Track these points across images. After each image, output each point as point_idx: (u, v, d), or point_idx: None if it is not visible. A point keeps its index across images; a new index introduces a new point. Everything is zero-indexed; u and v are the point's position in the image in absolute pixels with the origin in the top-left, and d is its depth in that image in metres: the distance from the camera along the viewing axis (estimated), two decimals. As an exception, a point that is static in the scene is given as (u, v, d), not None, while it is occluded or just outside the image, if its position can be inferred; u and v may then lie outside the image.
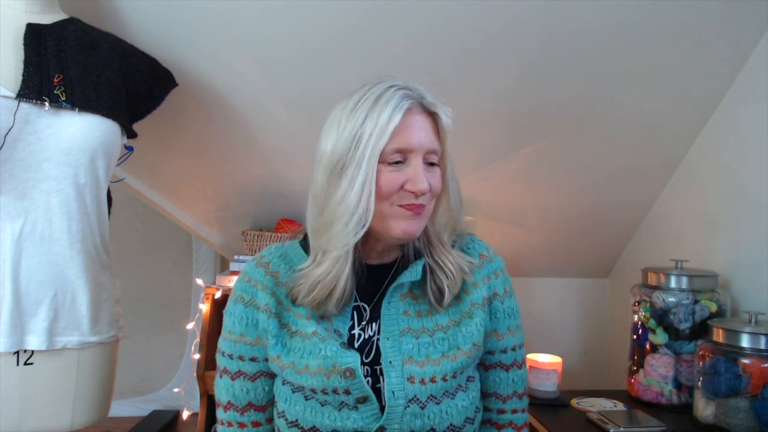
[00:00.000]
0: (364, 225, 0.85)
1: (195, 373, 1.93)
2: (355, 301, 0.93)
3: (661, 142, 1.83)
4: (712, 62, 1.60)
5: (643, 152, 1.86)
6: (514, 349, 0.98)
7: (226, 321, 0.95)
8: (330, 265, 0.87)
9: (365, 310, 0.93)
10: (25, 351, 1.18)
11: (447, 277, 0.92)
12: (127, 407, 2.44)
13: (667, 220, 1.97)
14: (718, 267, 1.65)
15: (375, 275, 0.94)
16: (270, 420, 0.95)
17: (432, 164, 0.89)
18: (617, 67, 1.60)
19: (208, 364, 1.93)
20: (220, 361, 0.95)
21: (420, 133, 0.87)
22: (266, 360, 0.92)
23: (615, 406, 1.58)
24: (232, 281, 1.98)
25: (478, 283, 0.94)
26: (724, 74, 1.63)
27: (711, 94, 1.68)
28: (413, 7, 1.43)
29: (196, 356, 1.92)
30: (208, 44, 1.51)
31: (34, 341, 1.18)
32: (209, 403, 1.97)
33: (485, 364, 0.98)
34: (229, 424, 0.95)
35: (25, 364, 1.18)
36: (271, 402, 0.95)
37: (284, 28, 1.48)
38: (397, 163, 0.86)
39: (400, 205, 0.86)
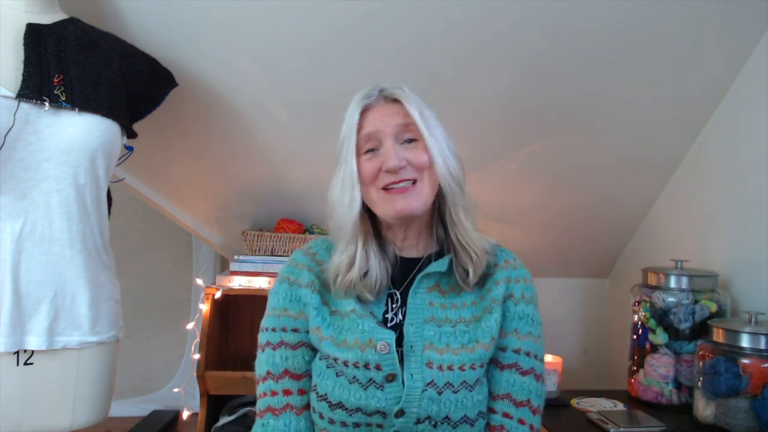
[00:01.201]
0: (353, 216, 0.94)
1: (195, 373, 1.92)
2: (390, 288, 0.99)
3: (661, 142, 1.83)
4: (712, 62, 1.60)
5: (643, 152, 1.86)
6: (517, 352, 0.96)
7: (271, 300, 1.01)
8: (341, 252, 0.97)
9: (396, 295, 0.99)
10: (25, 351, 1.18)
11: (471, 259, 0.97)
12: (127, 407, 2.43)
13: (667, 220, 1.97)
14: (718, 267, 1.65)
15: (409, 266, 1.01)
16: (302, 392, 0.96)
17: (412, 141, 0.95)
18: (617, 67, 1.60)
19: (208, 364, 1.93)
20: (262, 338, 0.99)
21: (384, 118, 0.95)
22: (308, 332, 0.97)
23: (615, 406, 1.58)
24: (232, 281, 1.98)
25: (499, 281, 0.99)
26: (724, 74, 1.63)
27: (711, 94, 1.68)
28: (413, 7, 1.43)
29: (196, 356, 1.92)
30: (208, 44, 1.51)
31: (34, 341, 1.18)
32: (209, 403, 1.97)
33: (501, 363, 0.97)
34: (263, 395, 0.97)
35: (25, 364, 1.18)
36: (307, 374, 0.97)
37: (284, 28, 1.48)
38: (371, 151, 0.95)
39: (384, 188, 0.94)
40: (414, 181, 0.94)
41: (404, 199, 0.93)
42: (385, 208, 0.94)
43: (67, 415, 1.23)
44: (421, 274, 0.98)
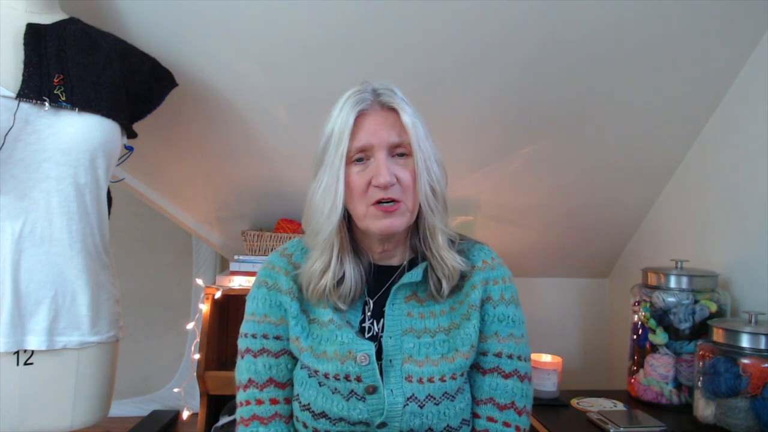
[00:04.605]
0: (331, 224, 0.91)
1: (195, 373, 1.93)
2: (364, 296, 0.98)
3: (661, 142, 1.83)
4: (712, 62, 1.60)
5: (643, 152, 1.86)
6: (498, 356, 0.96)
7: (249, 305, 0.99)
8: (315, 259, 0.95)
9: (370, 303, 0.98)
10: (25, 351, 1.18)
11: (444, 273, 0.95)
12: (127, 407, 2.44)
13: (667, 220, 1.97)
14: (718, 267, 1.65)
15: (384, 274, 0.99)
16: (288, 401, 0.97)
17: (403, 156, 0.93)
18: (617, 67, 1.60)
19: (208, 364, 1.93)
20: (242, 343, 0.98)
21: (378, 129, 0.91)
22: (289, 340, 0.96)
23: (615, 406, 1.58)
24: (232, 281, 1.98)
25: (477, 284, 0.97)
26: (724, 74, 1.63)
27: (711, 94, 1.68)
28: (414, 7, 1.43)
29: (196, 356, 1.92)
30: (208, 44, 1.51)
31: (34, 341, 1.18)
32: (209, 403, 1.97)
33: (483, 368, 0.97)
34: (247, 403, 0.96)
35: (25, 364, 1.18)
36: (290, 383, 0.97)
37: (284, 28, 1.48)
38: (360, 161, 0.92)
39: (374, 204, 0.91)
40: (399, 201, 0.92)
41: (389, 218, 0.91)
42: (370, 224, 0.92)
43: (67, 415, 1.23)
44: (396, 286, 0.96)
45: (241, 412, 0.96)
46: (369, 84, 0.96)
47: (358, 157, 0.92)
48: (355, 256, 0.98)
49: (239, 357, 0.99)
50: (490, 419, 0.95)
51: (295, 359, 0.98)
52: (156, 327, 2.54)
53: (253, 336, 0.97)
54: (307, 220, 0.96)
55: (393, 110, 0.93)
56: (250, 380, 0.96)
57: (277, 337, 0.97)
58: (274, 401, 0.95)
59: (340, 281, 0.95)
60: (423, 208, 0.94)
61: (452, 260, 0.95)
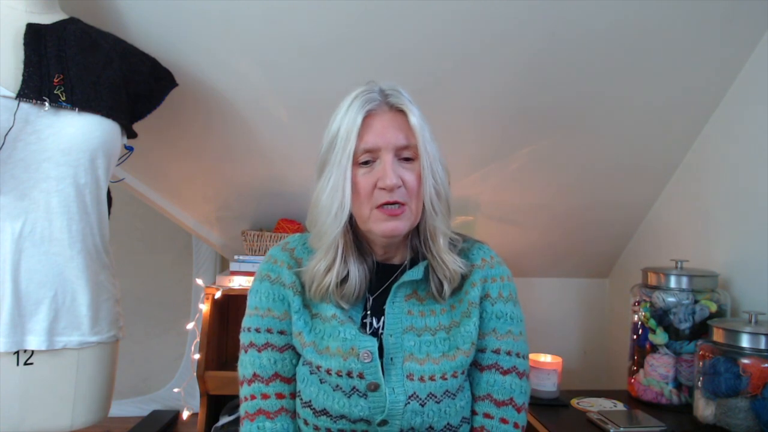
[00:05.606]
0: (339, 224, 0.90)
1: (195, 373, 1.93)
2: (367, 293, 0.98)
3: (661, 142, 1.83)
4: (712, 62, 1.60)
5: (643, 152, 1.86)
6: (496, 352, 0.96)
7: (252, 299, 0.99)
8: (319, 259, 0.94)
9: (370, 301, 0.98)
10: (25, 351, 1.18)
11: (445, 274, 0.95)
12: (127, 407, 2.44)
13: (667, 220, 1.97)
14: (718, 267, 1.65)
15: (386, 273, 0.99)
16: (293, 396, 0.96)
17: (408, 160, 0.92)
18: (617, 67, 1.60)
19: (208, 364, 1.93)
20: (245, 338, 0.98)
21: (385, 131, 0.90)
22: (292, 335, 0.96)
23: (615, 406, 1.58)
24: (232, 281, 1.98)
25: (476, 282, 0.97)
26: (724, 74, 1.63)
27: (711, 94, 1.68)
28: (414, 8, 1.43)
29: (196, 356, 1.92)
30: (208, 44, 1.51)
31: (34, 341, 1.18)
32: (209, 403, 1.97)
33: (480, 365, 0.98)
34: (252, 397, 0.95)
35: (25, 364, 1.18)
36: (294, 378, 0.97)
37: (284, 28, 1.48)
38: (367, 163, 0.91)
39: (378, 207, 0.90)
40: (404, 204, 0.91)
41: (394, 222, 0.91)
42: (374, 226, 0.91)
43: (67, 415, 1.23)
44: (397, 284, 0.96)
45: (245, 407, 0.96)
46: (375, 84, 0.94)
47: (366, 159, 0.91)
48: (360, 256, 0.97)
49: (242, 351, 0.98)
50: (486, 415, 0.95)
51: (298, 355, 0.97)
52: (156, 327, 2.54)
53: (257, 330, 0.97)
54: (313, 221, 0.95)
55: (401, 111, 0.92)
56: (254, 374, 0.95)
57: (281, 332, 0.96)
58: (279, 395, 0.95)
59: (344, 280, 0.94)
60: (427, 211, 0.93)
61: (453, 263, 0.95)
